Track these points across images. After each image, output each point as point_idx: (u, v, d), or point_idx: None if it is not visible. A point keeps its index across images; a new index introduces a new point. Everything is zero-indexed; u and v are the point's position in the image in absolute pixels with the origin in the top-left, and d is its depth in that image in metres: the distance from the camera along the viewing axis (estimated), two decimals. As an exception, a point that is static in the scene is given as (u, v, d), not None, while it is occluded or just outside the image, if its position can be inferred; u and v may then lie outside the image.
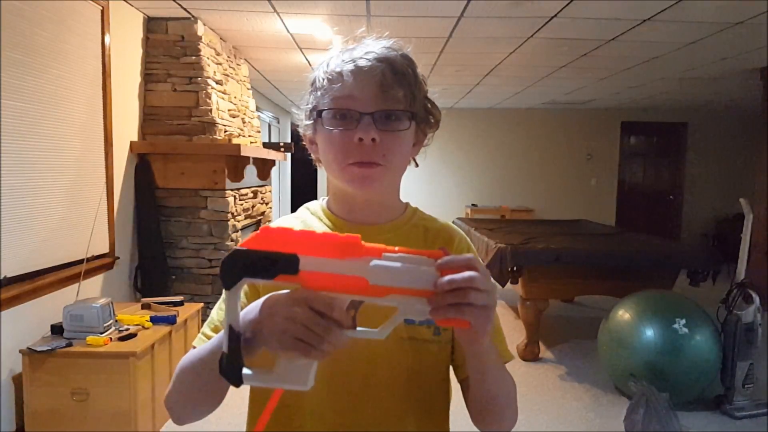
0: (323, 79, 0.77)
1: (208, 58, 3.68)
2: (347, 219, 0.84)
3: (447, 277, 0.54)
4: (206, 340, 0.78)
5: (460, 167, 8.49)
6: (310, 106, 0.80)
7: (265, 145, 4.95)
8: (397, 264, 0.55)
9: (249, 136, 4.43)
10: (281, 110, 8.54)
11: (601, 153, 8.44)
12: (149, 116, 3.55)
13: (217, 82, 3.79)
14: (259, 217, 4.64)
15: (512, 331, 4.31)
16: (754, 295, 2.94)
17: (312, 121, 0.80)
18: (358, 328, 0.58)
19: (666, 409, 2.50)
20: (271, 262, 0.53)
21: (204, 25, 3.68)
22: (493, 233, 4.39)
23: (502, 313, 4.90)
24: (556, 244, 3.84)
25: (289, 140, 9.20)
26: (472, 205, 8.34)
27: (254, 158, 4.24)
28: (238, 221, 3.94)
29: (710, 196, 8.29)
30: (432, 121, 0.83)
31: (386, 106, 0.74)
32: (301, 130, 0.84)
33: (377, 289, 0.55)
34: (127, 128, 3.34)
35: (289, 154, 6.44)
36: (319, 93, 0.78)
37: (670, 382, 2.78)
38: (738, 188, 7.74)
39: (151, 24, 3.55)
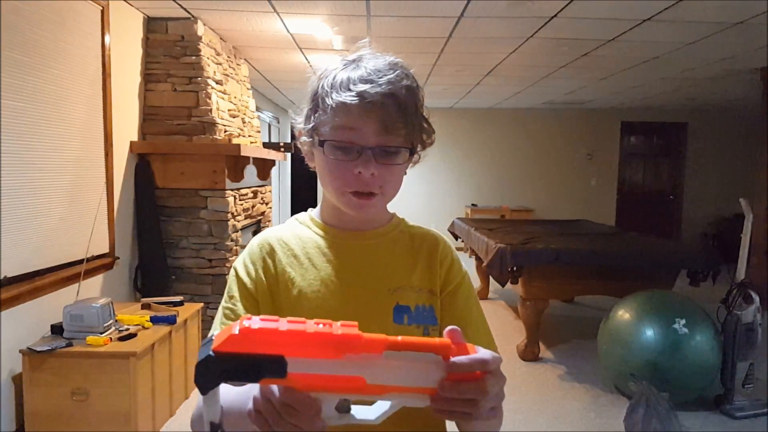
0: (327, 106, 0.76)
1: (208, 58, 3.68)
2: (337, 226, 0.87)
3: (455, 386, 0.51)
4: None
5: (460, 167, 8.49)
6: (311, 124, 0.80)
7: (265, 145, 4.95)
8: (400, 365, 0.50)
9: (249, 136, 4.43)
10: (281, 110, 8.54)
11: (601, 153, 8.44)
12: (149, 116, 3.55)
13: (217, 82, 3.79)
14: (259, 217, 4.64)
15: (512, 331, 4.31)
16: (754, 295, 2.94)
17: (311, 139, 0.81)
18: (353, 409, 0.54)
19: (666, 409, 2.50)
20: (254, 366, 0.47)
21: (204, 25, 3.68)
22: (493, 233, 4.39)
23: (502, 313, 4.90)
24: (556, 244, 3.84)
25: (289, 140, 9.20)
26: (472, 205, 8.34)
27: (254, 158, 4.24)
28: (238, 221, 3.94)
29: (710, 196, 8.29)
30: (427, 141, 0.85)
31: (387, 141, 0.76)
32: (297, 135, 0.85)
33: (375, 388, 0.51)
34: (127, 128, 3.34)
35: (289, 154, 6.44)
36: (320, 114, 0.78)
37: (670, 382, 2.78)
38: (738, 188, 7.74)
39: (151, 24, 3.55)
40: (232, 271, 0.89)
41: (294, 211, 10.57)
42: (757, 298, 2.93)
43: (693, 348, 2.85)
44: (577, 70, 5.19)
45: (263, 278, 0.84)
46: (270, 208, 5.12)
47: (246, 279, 0.85)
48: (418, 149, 0.84)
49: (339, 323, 0.51)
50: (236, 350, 0.47)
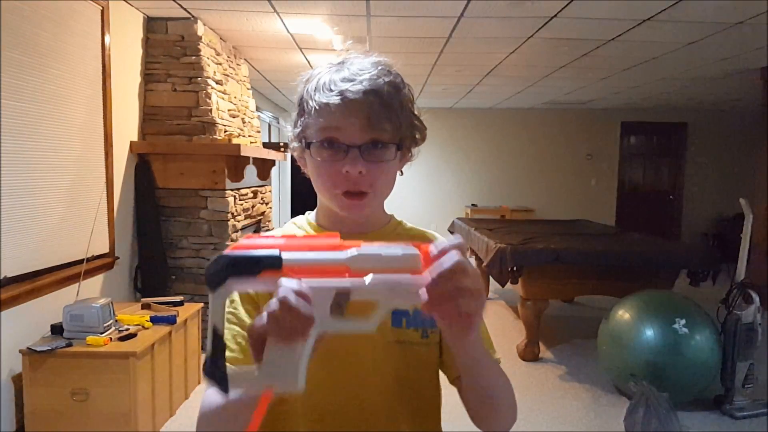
0: (311, 108, 0.77)
1: (208, 58, 3.68)
2: (332, 229, 0.87)
3: (439, 261, 0.54)
4: (235, 354, 0.80)
5: (460, 167, 8.49)
6: (298, 129, 0.81)
7: (265, 145, 4.95)
8: (379, 249, 0.56)
9: (249, 136, 4.43)
10: (281, 110, 8.54)
11: (601, 153, 8.44)
12: (149, 116, 3.55)
13: (217, 82, 3.79)
14: (259, 217, 4.64)
15: (512, 331, 4.31)
16: (754, 295, 2.94)
17: (299, 144, 0.82)
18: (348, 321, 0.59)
19: (666, 409, 2.50)
20: (254, 260, 0.55)
21: (204, 25, 3.68)
22: (493, 233, 4.39)
23: (502, 314, 4.90)
24: (556, 244, 3.84)
25: (288, 141, 9.17)
26: (472, 205, 8.34)
27: (254, 158, 4.24)
28: (238, 221, 3.94)
29: (710, 196, 8.29)
30: (418, 138, 0.84)
31: (373, 138, 0.76)
32: (290, 149, 0.86)
33: (359, 273, 0.55)
34: (127, 128, 3.34)
35: (289, 154, 6.43)
36: (306, 119, 0.79)
37: (670, 382, 2.78)
38: (738, 188, 7.75)
39: (151, 24, 3.55)
40: None
41: (294, 211, 10.60)
42: (757, 298, 2.93)
43: (693, 348, 2.85)
44: (577, 70, 5.19)
45: (262, 292, 0.82)
46: (270, 208, 5.12)
47: (249, 304, 0.83)
48: (408, 145, 0.83)
49: (323, 234, 0.59)
50: (239, 250, 0.55)
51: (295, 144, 0.83)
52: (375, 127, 0.75)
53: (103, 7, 2.96)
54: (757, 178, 5.09)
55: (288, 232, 0.89)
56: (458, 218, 5.82)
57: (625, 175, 8.54)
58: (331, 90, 0.76)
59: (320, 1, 3.29)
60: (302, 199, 12.66)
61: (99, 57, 2.97)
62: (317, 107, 0.76)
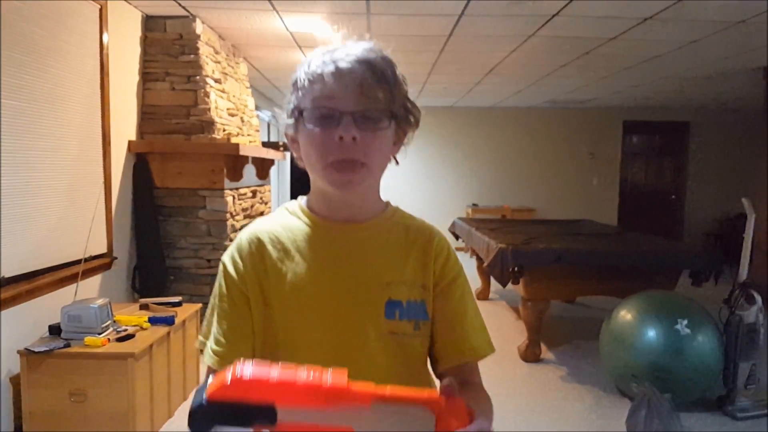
0: (304, 80, 0.79)
1: (206, 56, 3.66)
2: (327, 217, 0.86)
3: None
4: (216, 358, 0.81)
5: (461, 167, 8.47)
6: (291, 105, 0.82)
7: (264, 144, 4.94)
8: (388, 416, 0.52)
9: (248, 135, 4.41)
10: (281, 109, 8.51)
11: (602, 152, 8.42)
12: (147, 115, 3.53)
13: (216, 81, 3.78)
14: (258, 217, 4.62)
15: (513, 331, 4.29)
16: (756, 295, 2.92)
17: (294, 120, 0.82)
18: None
19: (668, 410, 2.49)
20: (245, 415, 0.50)
21: (202, 23, 3.66)
22: (494, 233, 4.37)
23: (504, 314, 4.88)
24: (558, 244, 3.82)
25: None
26: (473, 204, 8.32)
27: (253, 157, 4.22)
28: (237, 221, 3.92)
29: (712, 196, 8.27)
30: (412, 120, 0.85)
31: (366, 105, 0.76)
32: (283, 129, 0.85)
33: None
34: (125, 127, 3.33)
35: (288, 153, 6.42)
36: (300, 93, 0.80)
37: (672, 383, 2.76)
38: (740, 188, 7.72)
39: (150, 22, 3.53)
40: (220, 267, 0.87)
41: (294, 210, 10.55)
42: (759, 299, 2.91)
43: (695, 349, 2.84)
44: (578, 69, 5.17)
45: (253, 275, 0.83)
46: (269, 207, 5.10)
47: (235, 276, 0.84)
48: (403, 124, 0.83)
49: (330, 371, 0.53)
50: (229, 398, 0.50)
51: (288, 121, 0.83)
52: (367, 94, 0.76)
53: (101, 6, 2.95)
54: (760, 177, 5.06)
55: (281, 219, 0.88)
56: (459, 218, 5.80)
57: (627, 175, 8.53)
58: (324, 63, 0.78)
59: (320, 0, 3.28)
60: (303, 199, 12.68)
61: (97, 56, 2.95)
62: (311, 78, 0.78)
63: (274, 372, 0.51)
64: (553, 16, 3.48)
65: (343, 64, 0.76)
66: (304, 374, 0.52)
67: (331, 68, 0.76)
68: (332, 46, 0.82)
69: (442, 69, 5.29)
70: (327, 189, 0.82)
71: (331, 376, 0.52)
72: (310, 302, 0.81)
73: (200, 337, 0.86)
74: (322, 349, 0.80)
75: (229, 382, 0.50)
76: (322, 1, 3.31)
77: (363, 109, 0.76)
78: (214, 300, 0.86)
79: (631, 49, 4.33)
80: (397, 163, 0.89)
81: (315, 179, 0.84)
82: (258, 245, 0.85)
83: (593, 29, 3.79)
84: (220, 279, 0.86)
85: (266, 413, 0.50)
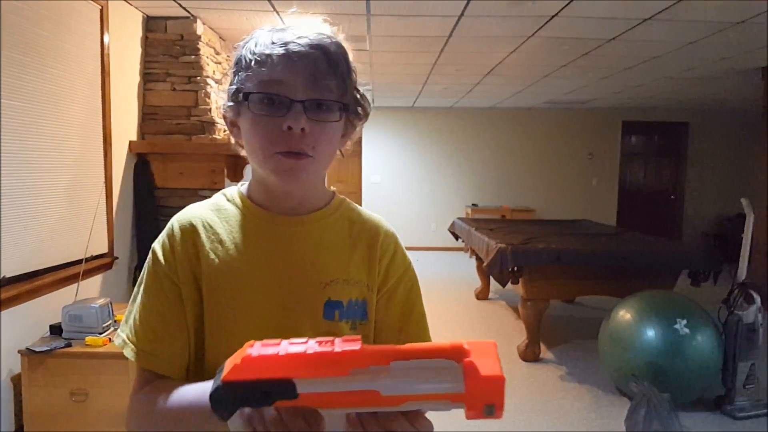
0: (250, 60, 0.72)
1: (207, 57, 3.67)
2: (267, 208, 0.80)
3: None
4: (147, 355, 0.76)
5: (460, 167, 8.48)
6: (234, 86, 0.74)
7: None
8: (412, 373, 0.50)
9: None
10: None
11: (602, 153, 8.43)
12: (148, 116, 3.54)
13: (217, 82, 3.78)
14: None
15: (513, 331, 4.30)
16: (755, 295, 2.93)
17: (235, 103, 0.75)
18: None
19: (667, 410, 2.49)
20: (264, 393, 0.49)
21: (203, 24, 3.67)
22: (494, 233, 4.38)
23: (503, 314, 4.89)
24: (557, 244, 3.83)
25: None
26: (473, 204, 8.33)
27: (254, 158, 4.22)
28: (238, 221, 3.92)
29: (711, 196, 8.28)
30: (361, 113, 0.79)
31: (318, 95, 0.71)
32: (222, 111, 0.79)
33: (392, 399, 0.50)
34: (126, 128, 3.33)
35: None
36: (244, 74, 0.72)
37: (671, 383, 2.77)
38: (739, 188, 7.73)
39: (150, 23, 3.54)
40: (150, 255, 0.79)
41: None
42: (758, 299, 2.92)
43: (694, 348, 2.84)
44: (578, 70, 5.18)
45: (185, 263, 0.76)
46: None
47: (165, 264, 0.76)
48: (352, 117, 0.78)
49: (341, 339, 0.51)
50: (244, 377, 0.50)
51: (228, 104, 0.76)
52: (320, 83, 0.71)
53: (102, 7, 2.95)
54: (759, 177, 5.07)
55: (217, 205, 0.82)
56: (459, 218, 5.80)
57: (626, 175, 8.53)
58: (273, 42, 0.71)
59: (320, 0, 3.29)
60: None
61: (98, 56, 2.96)
62: (258, 59, 0.71)
63: (283, 347, 0.51)
64: (553, 16, 3.48)
65: (294, 47, 0.70)
66: (314, 345, 0.51)
67: (280, 51, 0.70)
68: (281, 25, 0.75)
69: (442, 70, 5.30)
70: (269, 179, 0.76)
71: (343, 342, 0.51)
72: (244, 298, 0.75)
73: (121, 333, 0.78)
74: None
75: (239, 362, 0.50)
76: (322, 1, 3.32)
77: (314, 99, 0.71)
78: (139, 290, 0.78)
79: (631, 50, 4.34)
80: (343, 155, 0.84)
81: (256, 167, 0.78)
82: (191, 232, 0.78)
83: (592, 30, 3.80)
84: (148, 267, 0.78)
85: (285, 388, 0.49)
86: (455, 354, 0.50)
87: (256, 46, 0.72)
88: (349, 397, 0.50)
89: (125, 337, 0.77)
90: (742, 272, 3.05)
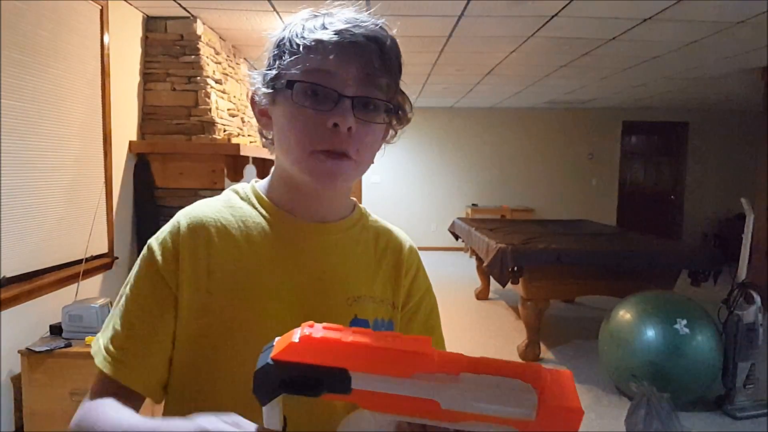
0: (297, 45, 0.64)
1: (207, 57, 3.67)
2: (290, 211, 0.72)
3: None
4: (114, 364, 0.68)
5: (460, 167, 8.48)
6: (273, 71, 0.67)
7: (265, 145, 4.94)
8: (480, 389, 0.44)
9: (248, 135, 4.42)
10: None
11: (602, 153, 8.43)
12: (148, 116, 3.54)
13: (217, 82, 3.79)
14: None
15: (513, 331, 4.30)
16: (755, 295, 2.93)
17: (272, 91, 0.67)
18: None
19: (667, 410, 2.49)
20: (315, 380, 0.45)
21: (203, 24, 3.67)
22: (494, 233, 4.38)
23: (503, 314, 4.89)
24: (557, 244, 3.83)
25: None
26: (473, 204, 8.33)
27: (254, 157, 4.23)
28: (238, 221, 3.92)
29: (711, 196, 8.28)
30: (403, 117, 0.72)
31: (368, 92, 0.65)
32: (256, 98, 0.71)
33: (451, 414, 0.44)
34: (126, 128, 3.33)
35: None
36: (287, 59, 0.65)
37: (671, 383, 2.77)
38: (739, 188, 7.73)
39: (150, 23, 3.54)
40: (144, 252, 0.69)
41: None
42: (758, 299, 2.92)
43: (694, 348, 2.84)
44: (578, 70, 5.18)
45: (190, 270, 0.67)
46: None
47: (164, 266, 0.67)
48: (396, 118, 0.71)
49: (410, 337, 0.47)
50: (297, 359, 0.45)
51: (264, 90, 0.68)
52: (372, 80, 0.64)
53: (102, 7, 2.95)
54: (759, 177, 5.07)
55: (231, 205, 0.74)
56: (459, 218, 5.80)
57: (626, 175, 8.54)
58: (325, 27, 0.64)
59: (320, 0, 3.29)
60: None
61: (98, 56, 2.96)
62: (307, 43, 0.63)
63: (347, 334, 0.46)
64: (553, 16, 3.48)
65: (349, 37, 0.63)
66: (380, 337, 0.46)
67: (335, 38, 0.63)
68: (330, 10, 0.68)
69: (442, 70, 5.30)
70: (301, 179, 0.68)
71: (412, 341, 0.46)
72: (265, 313, 0.67)
73: (99, 338, 0.71)
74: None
75: (297, 340, 0.45)
76: (323, 1, 3.31)
77: (365, 96, 0.64)
78: (125, 290, 0.69)
79: (631, 50, 4.34)
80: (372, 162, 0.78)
81: (286, 165, 0.70)
82: (202, 233, 0.69)
83: (593, 30, 3.80)
84: (141, 266, 0.69)
85: (339, 378, 0.44)
86: (532, 376, 0.44)
87: (303, 29, 0.65)
88: (405, 402, 0.45)
89: (102, 345, 0.69)
90: (742, 272, 3.05)
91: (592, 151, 8.43)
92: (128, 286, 0.70)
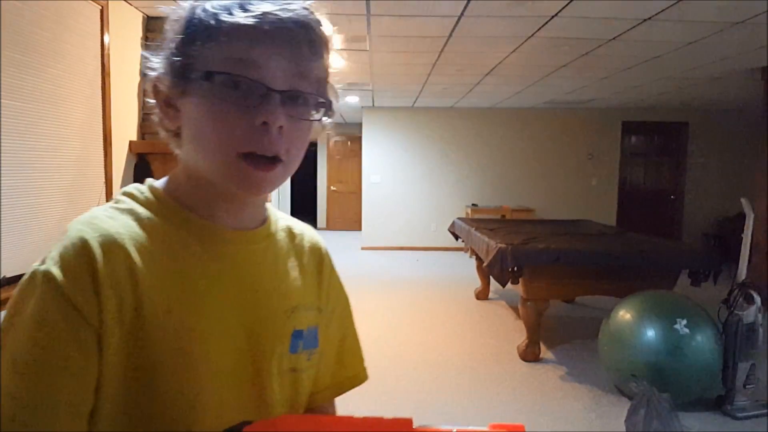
0: (215, 30, 0.54)
1: (207, 57, 3.67)
2: (209, 219, 0.61)
3: None
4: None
5: (461, 167, 8.49)
6: (180, 58, 0.56)
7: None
8: None
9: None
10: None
11: (601, 153, 8.44)
12: (148, 116, 3.54)
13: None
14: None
15: (512, 331, 4.30)
16: (755, 295, 2.93)
17: (178, 79, 0.56)
18: None
19: (667, 410, 2.49)
20: None
21: (204, 24, 3.67)
22: (494, 233, 4.38)
23: (503, 314, 4.89)
24: (557, 244, 3.83)
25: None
26: (473, 204, 8.33)
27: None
28: (238, 221, 3.93)
29: (711, 196, 8.29)
30: (332, 110, 0.62)
31: (299, 85, 0.56)
32: (160, 86, 0.59)
33: None
34: (126, 128, 3.33)
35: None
36: (202, 45, 0.55)
37: (671, 383, 2.77)
38: (739, 188, 7.74)
39: (150, 23, 3.54)
40: (42, 287, 0.50)
41: (294, 210, 10.50)
42: (758, 299, 2.92)
43: (694, 348, 2.84)
44: (578, 70, 5.18)
45: (117, 307, 0.52)
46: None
47: (81, 300, 0.50)
48: (325, 113, 0.61)
49: (389, 420, 0.45)
50: None
51: (168, 79, 0.57)
52: (303, 72, 0.56)
53: (102, 7, 2.96)
54: (759, 177, 5.08)
55: (136, 216, 0.58)
56: (459, 218, 5.81)
57: (626, 175, 8.54)
58: (247, 9, 0.53)
59: (320, 0, 3.29)
60: (302, 199, 12.66)
61: (98, 56, 2.96)
62: (227, 29, 0.53)
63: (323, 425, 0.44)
64: (553, 17, 3.49)
65: (275, 22, 0.54)
66: (362, 425, 0.44)
67: (260, 23, 0.53)
68: None
69: (442, 70, 5.30)
70: (223, 184, 0.58)
71: (394, 424, 0.44)
72: (207, 342, 0.56)
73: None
74: (226, 406, 0.58)
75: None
76: (323, 1, 3.32)
77: (295, 90, 0.56)
78: (12, 343, 0.49)
79: (631, 50, 4.34)
80: None
81: (201, 166, 0.59)
82: (120, 254, 0.54)
83: (592, 30, 3.80)
84: (40, 305, 0.50)
85: None
86: None
87: (220, 10, 0.54)
88: None
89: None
90: (742, 272, 3.05)
91: (592, 151, 8.43)
92: (18, 333, 0.49)
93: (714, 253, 3.75)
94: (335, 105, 0.62)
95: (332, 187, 10.92)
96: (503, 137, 8.46)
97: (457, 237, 5.45)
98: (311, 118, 0.59)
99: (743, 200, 3.19)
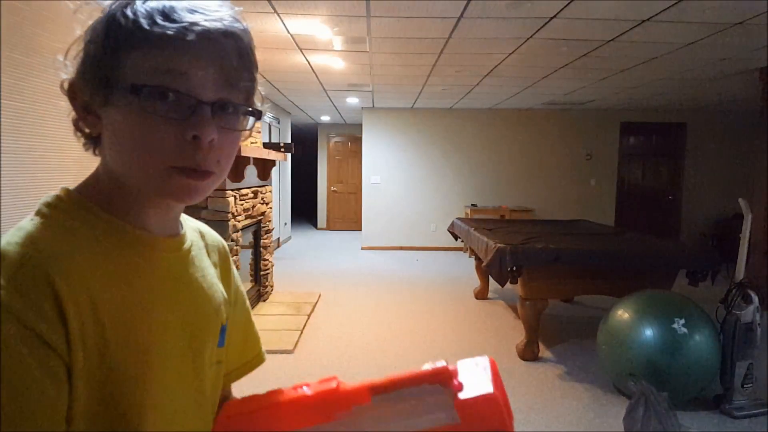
0: (138, 38, 0.52)
1: (207, 58, 3.67)
2: (143, 228, 0.60)
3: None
4: None
5: (460, 167, 8.50)
6: (101, 68, 0.54)
7: (266, 146, 4.95)
8: (399, 407, 0.44)
9: (249, 136, 4.43)
10: (281, 111, 8.54)
11: (600, 153, 8.45)
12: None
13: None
14: (259, 217, 4.64)
15: (511, 331, 4.31)
16: (753, 294, 2.94)
17: (101, 88, 0.54)
18: None
19: (665, 409, 2.51)
20: None
21: (204, 25, 3.68)
22: (493, 233, 4.39)
23: (502, 313, 4.90)
24: (556, 244, 3.84)
25: (289, 140, 9.20)
26: (472, 205, 8.34)
27: (254, 158, 4.24)
28: (239, 221, 3.94)
29: (709, 196, 8.31)
30: (260, 118, 0.62)
31: (228, 96, 0.56)
32: (78, 92, 0.59)
33: None
34: (127, 128, 3.34)
35: (289, 155, 6.45)
36: (126, 54, 0.53)
37: (670, 382, 2.78)
38: (737, 188, 7.76)
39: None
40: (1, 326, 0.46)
41: (294, 210, 10.42)
42: (756, 298, 2.93)
43: (692, 348, 2.86)
44: (577, 71, 5.20)
45: (80, 331, 0.50)
46: (270, 208, 5.12)
47: (53, 338, 0.48)
48: (255, 117, 0.61)
49: (316, 382, 0.48)
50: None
51: (89, 88, 0.56)
52: (232, 82, 0.56)
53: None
54: (757, 178, 5.09)
55: (68, 226, 0.56)
56: (458, 218, 5.82)
57: (625, 175, 8.56)
58: (172, 19, 0.52)
59: (320, 1, 3.30)
60: (302, 199, 12.66)
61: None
62: (152, 38, 0.51)
63: (258, 400, 0.47)
64: (552, 18, 3.50)
65: (203, 32, 0.52)
66: (290, 391, 0.47)
67: (186, 35, 0.52)
68: None
69: (442, 71, 5.31)
70: (154, 194, 0.58)
71: (318, 384, 0.47)
72: (165, 356, 0.58)
73: None
74: (176, 405, 0.60)
75: (216, 426, 0.45)
76: (323, 2, 3.33)
77: (224, 101, 0.55)
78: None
79: (629, 51, 4.36)
80: None
81: (127, 177, 0.58)
82: (74, 273, 0.51)
83: (591, 31, 3.82)
84: (5, 345, 0.45)
85: None
86: (440, 378, 0.44)
87: (143, 16, 0.52)
88: None
89: None
90: (740, 272, 3.07)
91: (590, 152, 8.45)
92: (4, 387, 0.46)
93: (712, 253, 3.77)
94: (264, 113, 0.63)
95: (332, 188, 10.93)
96: (502, 138, 8.48)
97: (456, 237, 5.47)
98: (241, 129, 0.59)
99: (741, 200, 3.21)
